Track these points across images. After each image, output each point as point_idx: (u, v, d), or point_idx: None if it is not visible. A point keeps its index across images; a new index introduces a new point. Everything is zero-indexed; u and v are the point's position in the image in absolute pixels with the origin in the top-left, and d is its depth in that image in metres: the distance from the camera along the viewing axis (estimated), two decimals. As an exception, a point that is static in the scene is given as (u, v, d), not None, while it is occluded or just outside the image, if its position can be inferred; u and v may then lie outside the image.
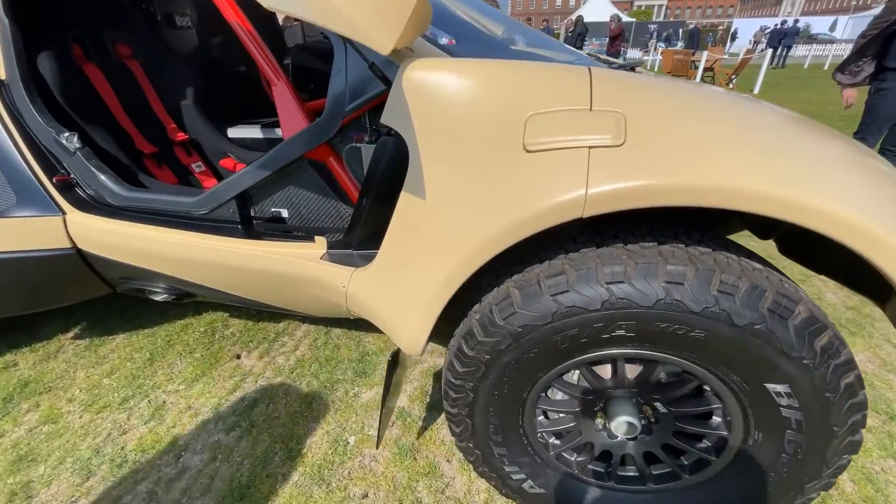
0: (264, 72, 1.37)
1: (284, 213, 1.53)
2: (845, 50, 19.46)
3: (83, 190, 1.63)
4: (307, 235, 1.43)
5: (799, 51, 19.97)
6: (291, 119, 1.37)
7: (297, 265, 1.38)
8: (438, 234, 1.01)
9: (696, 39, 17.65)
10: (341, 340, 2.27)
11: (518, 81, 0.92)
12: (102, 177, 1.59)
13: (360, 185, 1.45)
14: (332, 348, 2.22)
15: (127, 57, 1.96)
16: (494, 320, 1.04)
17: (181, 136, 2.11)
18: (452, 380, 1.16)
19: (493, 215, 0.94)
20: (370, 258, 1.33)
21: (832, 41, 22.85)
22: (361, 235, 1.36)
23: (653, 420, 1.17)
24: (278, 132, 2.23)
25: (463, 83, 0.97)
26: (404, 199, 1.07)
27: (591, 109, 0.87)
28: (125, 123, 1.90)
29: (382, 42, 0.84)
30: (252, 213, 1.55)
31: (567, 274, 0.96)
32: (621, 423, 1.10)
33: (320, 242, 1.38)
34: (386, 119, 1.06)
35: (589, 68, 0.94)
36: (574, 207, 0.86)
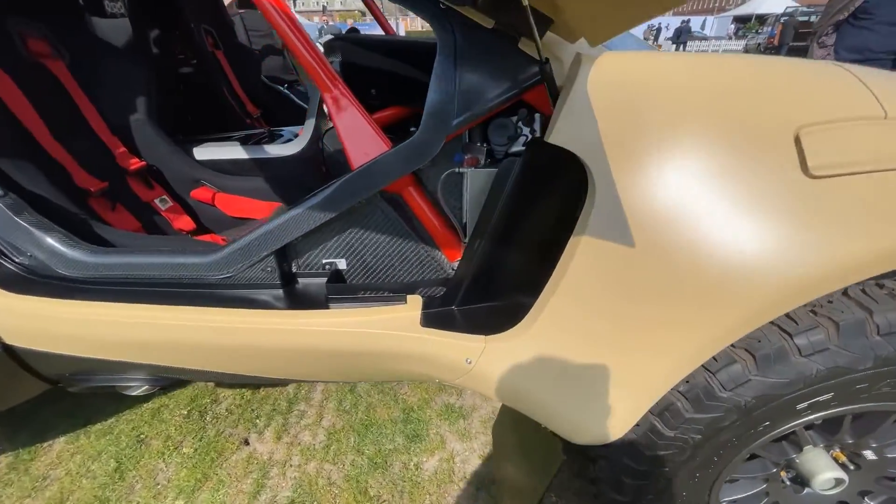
0: (314, 75, 0.97)
1: (342, 265, 1.14)
2: (718, 45, 22.34)
3: (10, 259, 1.08)
4: (388, 295, 1.07)
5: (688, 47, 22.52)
6: (360, 138, 1.00)
7: (383, 338, 1.02)
8: (673, 294, 0.74)
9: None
10: (373, 397, 1.89)
11: (776, 83, 0.69)
12: (45, 237, 1.06)
13: (457, 220, 1.12)
14: (366, 409, 1.83)
15: (45, 56, 1.37)
16: (714, 392, 0.81)
17: (136, 162, 1.56)
18: (634, 466, 0.90)
19: (780, 261, 0.69)
20: (495, 319, 1.01)
21: (705, 38, 26.09)
22: (475, 288, 1.04)
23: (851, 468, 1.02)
24: (269, 150, 1.77)
25: (690, 86, 0.71)
26: (593, 244, 0.78)
27: (886, 117, 0.66)
28: (55, 151, 1.32)
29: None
30: (294, 269, 1.14)
31: (824, 327, 0.76)
32: (827, 480, 0.94)
33: (413, 303, 1.03)
34: (559, 137, 0.76)
35: (838, 63, 0.74)
36: None
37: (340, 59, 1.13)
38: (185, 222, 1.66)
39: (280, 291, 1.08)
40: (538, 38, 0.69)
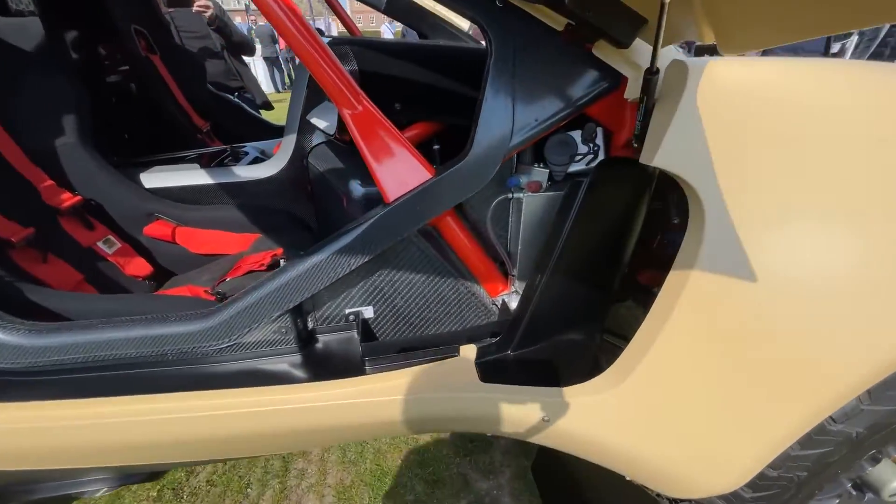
0: (332, 89, 0.78)
1: (368, 313, 0.95)
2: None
3: None
4: (436, 348, 0.90)
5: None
6: (395, 165, 0.81)
7: (437, 402, 0.85)
8: (806, 340, 0.65)
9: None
10: (380, 441, 1.69)
11: None
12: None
13: (503, 250, 0.98)
14: (375, 456, 1.63)
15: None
16: (824, 427, 0.74)
17: (68, 198, 1.23)
18: None
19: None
20: (567, 367, 0.89)
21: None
22: (533, 328, 0.90)
23: None
24: (239, 173, 1.50)
25: (835, 103, 0.63)
26: (702, 283, 0.67)
27: None
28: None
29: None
30: (311, 324, 0.93)
31: None
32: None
33: (467, 354, 0.87)
34: (663, 159, 0.65)
35: None
36: None
37: (355, 68, 0.94)
38: (138, 266, 1.35)
39: (298, 356, 0.88)
40: (659, 42, 0.57)
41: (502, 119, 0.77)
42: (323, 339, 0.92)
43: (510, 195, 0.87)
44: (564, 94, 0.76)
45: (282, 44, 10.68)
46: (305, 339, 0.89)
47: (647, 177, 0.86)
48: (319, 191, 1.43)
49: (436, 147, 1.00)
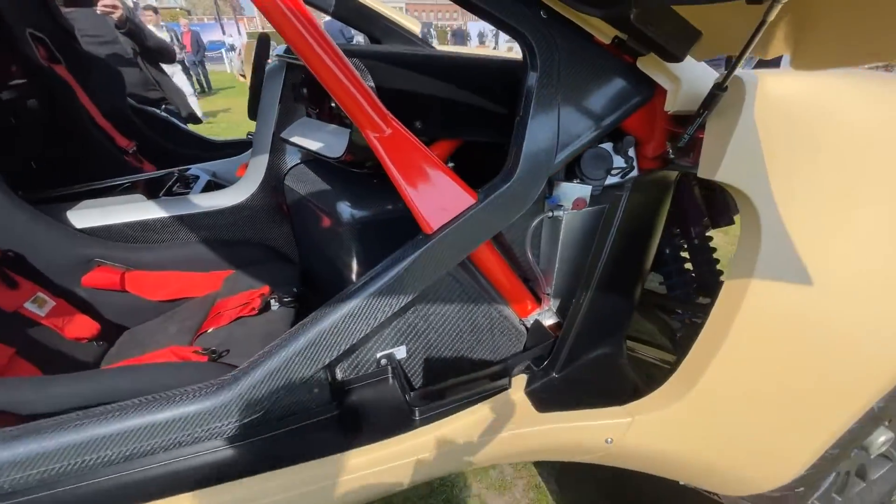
0: (354, 108, 0.67)
1: (401, 353, 0.86)
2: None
3: None
4: (485, 385, 0.83)
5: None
6: (433, 191, 0.73)
7: (497, 445, 0.79)
8: (840, 339, 0.69)
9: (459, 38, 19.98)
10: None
11: None
12: None
13: (537, 269, 0.93)
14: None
15: None
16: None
17: (-22, 252, 0.97)
18: None
19: None
20: (618, 383, 0.87)
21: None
22: (576, 347, 0.87)
23: None
24: (199, 202, 1.30)
25: (854, 107, 0.66)
26: (758, 293, 0.69)
27: None
28: None
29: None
30: (341, 375, 0.82)
31: None
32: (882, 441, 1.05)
33: (518, 385, 0.82)
34: (724, 173, 0.65)
35: None
36: None
37: (371, 85, 0.83)
38: (81, 326, 1.10)
39: (337, 418, 0.76)
40: (742, 59, 0.56)
41: (547, 136, 0.73)
42: (360, 393, 0.81)
43: (551, 213, 0.83)
44: (607, 107, 0.74)
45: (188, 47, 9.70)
46: (341, 397, 0.78)
47: (669, 187, 0.87)
48: (300, 216, 1.28)
49: (450, 165, 0.94)
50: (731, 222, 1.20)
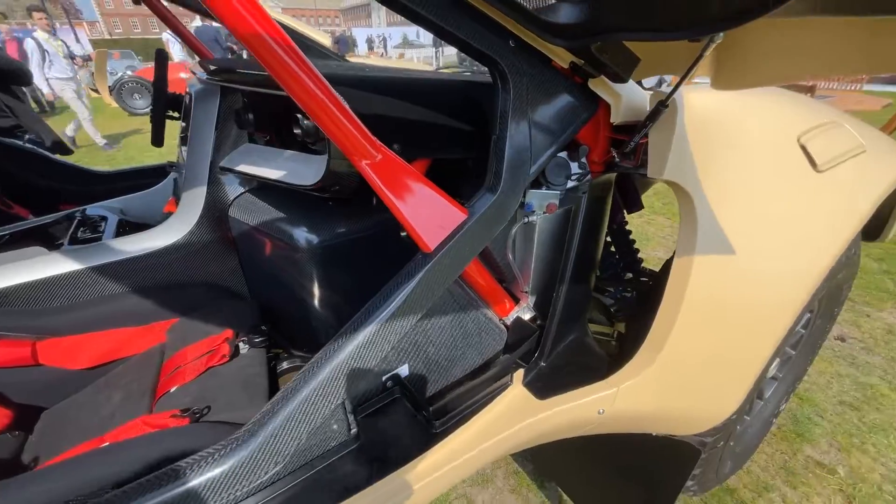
0: (347, 142, 0.66)
1: (404, 372, 0.87)
2: (439, 50, 26.12)
3: None
4: (491, 387, 0.88)
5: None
6: (428, 211, 0.74)
7: (510, 438, 0.85)
8: (754, 301, 0.88)
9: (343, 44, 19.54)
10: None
11: (775, 104, 0.89)
12: None
13: (516, 270, 1.00)
14: None
15: None
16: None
17: None
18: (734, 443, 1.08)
19: (816, 247, 0.91)
20: (596, 359, 0.99)
21: (422, 45, 30.30)
22: (559, 336, 0.97)
23: None
24: (124, 247, 1.13)
25: (743, 113, 0.85)
26: (702, 265, 0.85)
27: (834, 122, 0.96)
28: None
29: None
30: (354, 406, 0.80)
31: None
32: None
33: (517, 380, 0.89)
34: (666, 171, 0.79)
35: None
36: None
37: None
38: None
39: (358, 448, 0.74)
40: (683, 83, 0.69)
41: (522, 151, 0.80)
42: (374, 419, 0.80)
43: (527, 219, 0.91)
44: (566, 121, 0.84)
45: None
46: (358, 427, 0.76)
47: (611, 186, 1.02)
48: (250, 248, 1.19)
49: None
50: (641, 207, 1.43)
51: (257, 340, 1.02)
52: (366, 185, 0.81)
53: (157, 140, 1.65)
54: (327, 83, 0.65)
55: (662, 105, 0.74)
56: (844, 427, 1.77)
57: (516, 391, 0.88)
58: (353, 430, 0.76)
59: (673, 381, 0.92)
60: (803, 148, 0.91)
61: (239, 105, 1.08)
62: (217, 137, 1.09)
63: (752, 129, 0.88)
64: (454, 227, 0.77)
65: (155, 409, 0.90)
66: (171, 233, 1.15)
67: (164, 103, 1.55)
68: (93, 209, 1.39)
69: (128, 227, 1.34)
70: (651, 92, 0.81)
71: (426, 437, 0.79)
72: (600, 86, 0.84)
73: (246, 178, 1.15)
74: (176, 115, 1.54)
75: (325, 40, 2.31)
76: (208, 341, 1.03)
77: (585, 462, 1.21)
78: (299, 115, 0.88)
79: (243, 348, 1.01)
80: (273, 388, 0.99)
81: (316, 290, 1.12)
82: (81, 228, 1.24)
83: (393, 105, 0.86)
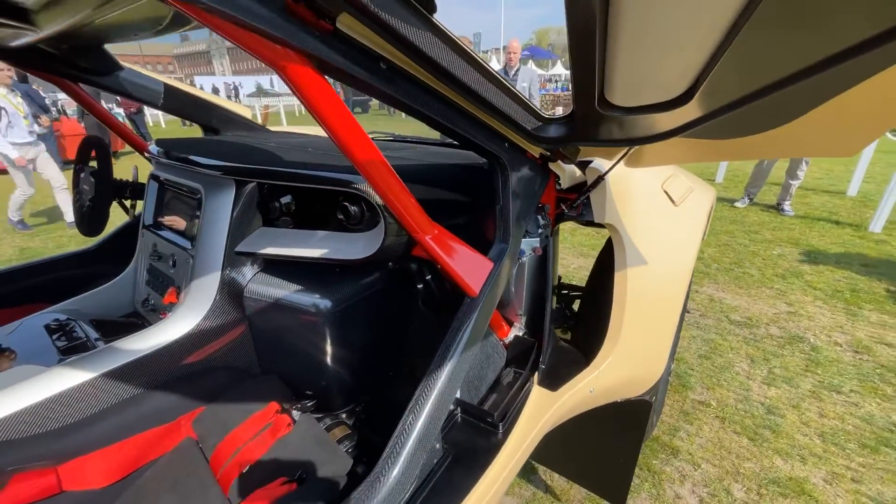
0: (413, 220, 0.86)
1: (459, 393, 1.09)
2: (290, 98, 25.66)
3: None
4: (521, 392, 1.15)
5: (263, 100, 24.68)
6: (469, 265, 0.98)
7: (549, 419, 1.14)
8: (662, 294, 1.35)
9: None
10: None
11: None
12: None
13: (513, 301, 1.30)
14: None
15: None
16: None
17: None
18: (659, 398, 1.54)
19: (683, 257, 1.42)
20: (574, 355, 1.35)
21: (278, 94, 29.60)
22: (551, 342, 1.31)
23: None
24: (129, 346, 1.10)
25: (631, 175, 1.32)
26: (633, 277, 1.28)
27: (674, 173, 1.52)
28: None
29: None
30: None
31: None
32: None
33: (535, 379, 1.19)
34: (608, 218, 1.21)
35: None
36: None
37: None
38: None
39: (450, 464, 0.93)
40: (613, 168, 1.10)
41: (518, 213, 1.13)
42: (452, 435, 0.99)
43: (521, 259, 1.23)
44: (538, 189, 1.20)
45: None
46: (447, 443, 0.95)
47: (558, 230, 1.43)
48: (262, 324, 1.26)
49: None
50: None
51: (309, 405, 1.10)
52: (403, 253, 1.05)
53: (95, 230, 1.53)
54: (398, 177, 0.89)
55: (601, 177, 1.15)
56: (706, 373, 2.49)
57: (536, 391, 1.17)
58: (443, 447, 0.95)
59: (630, 356, 1.33)
60: (665, 192, 1.45)
61: (255, 194, 1.19)
62: (232, 225, 1.16)
63: (638, 184, 1.38)
64: (487, 273, 1.05)
65: (233, 496, 0.93)
66: (182, 323, 1.15)
67: (110, 192, 1.48)
68: (44, 316, 1.25)
69: (105, 325, 1.24)
70: (589, 167, 1.23)
71: (495, 439, 1.02)
72: (555, 165, 1.23)
73: (256, 259, 1.23)
74: (127, 202, 1.47)
75: (247, 112, 2.38)
76: (257, 418, 1.07)
77: (567, 442, 1.54)
78: (347, 203, 1.06)
79: (296, 415, 1.08)
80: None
81: (332, 349, 1.25)
82: (56, 336, 1.13)
83: (425, 190, 1.12)
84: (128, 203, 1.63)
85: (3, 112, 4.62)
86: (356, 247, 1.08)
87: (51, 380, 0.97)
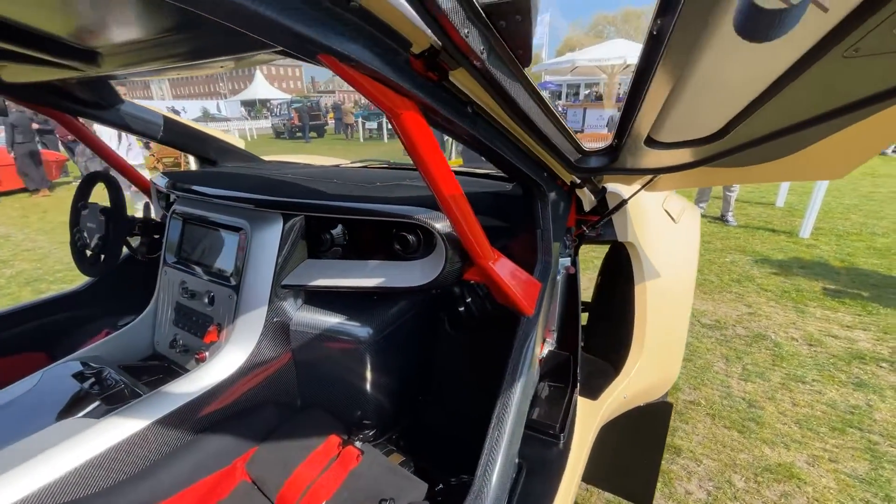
0: (478, 247, 0.92)
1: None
2: (241, 124, 24.92)
3: None
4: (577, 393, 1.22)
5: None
6: (522, 286, 1.05)
7: (595, 429, 1.22)
8: (674, 302, 1.49)
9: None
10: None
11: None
12: None
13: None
14: None
15: None
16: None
17: None
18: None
19: (688, 268, 1.58)
20: (602, 365, 1.45)
21: (227, 119, 28.55)
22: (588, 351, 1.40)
23: None
24: (176, 391, 1.06)
25: (640, 197, 1.47)
26: (651, 291, 1.41)
27: (670, 193, 1.70)
28: None
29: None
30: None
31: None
32: None
33: (579, 390, 1.27)
34: (627, 236, 1.34)
35: None
36: None
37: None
38: None
39: (525, 476, 0.97)
40: (634, 195, 1.23)
41: (557, 234, 1.23)
42: (525, 446, 1.03)
43: (556, 277, 1.32)
44: (566, 212, 1.31)
45: None
46: (521, 459, 0.99)
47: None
48: (308, 355, 1.25)
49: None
50: None
51: (371, 434, 1.10)
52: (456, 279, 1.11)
53: (102, 270, 1.44)
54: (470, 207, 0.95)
55: (625, 202, 1.29)
56: (691, 374, 2.69)
57: (581, 401, 1.25)
58: (518, 461, 0.99)
59: (653, 361, 1.45)
60: (666, 211, 1.61)
61: (302, 227, 1.19)
62: (279, 259, 1.15)
63: (645, 205, 1.53)
64: (537, 293, 1.13)
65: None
66: (229, 361, 1.12)
67: (124, 229, 1.41)
68: (66, 366, 1.16)
69: (133, 371, 1.17)
70: (610, 192, 1.36)
71: (558, 450, 1.07)
72: (580, 191, 1.35)
73: (300, 291, 1.23)
74: (134, 240, 1.41)
75: (241, 144, 2.36)
76: (319, 453, 1.06)
77: (592, 449, 1.63)
78: (405, 233, 1.11)
79: (359, 445, 1.08)
80: None
81: (376, 376, 1.26)
82: (92, 386, 1.05)
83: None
84: (133, 241, 1.55)
85: (122, 136, 4.98)
86: (413, 274, 1.12)
87: (100, 433, 0.91)
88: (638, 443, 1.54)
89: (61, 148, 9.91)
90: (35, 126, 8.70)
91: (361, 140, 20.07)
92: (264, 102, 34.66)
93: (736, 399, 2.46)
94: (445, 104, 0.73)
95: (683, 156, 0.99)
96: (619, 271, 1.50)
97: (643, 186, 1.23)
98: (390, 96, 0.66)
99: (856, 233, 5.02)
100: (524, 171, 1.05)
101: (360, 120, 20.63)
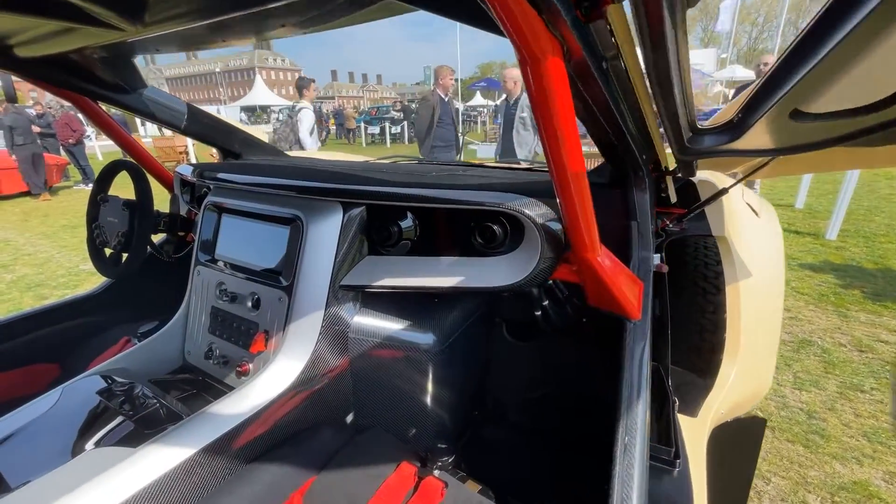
0: (588, 238, 0.77)
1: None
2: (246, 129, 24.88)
3: None
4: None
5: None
6: (627, 285, 0.90)
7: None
8: (767, 304, 1.34)
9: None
10: None
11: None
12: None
13: None
14: None
15: None
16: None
17: None
18: None
19: (777, 266, 1.43)
20: (691, 375, 1.29)
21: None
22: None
23: None
24: (225, 412, 0.89)
25: (732, 193, 1.33)
26: (744, 293, 1.26)
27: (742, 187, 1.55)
28: None
29: None
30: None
31: None
32: None
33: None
34: (723, 230, 1.18)
35: None
36: None
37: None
38: None
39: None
40: (734, 186, 1.08)
41: (649, 228, 1.08)
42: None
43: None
44: (653, 204, 1.16)
45: None
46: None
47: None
48: (368, 365, 1.08)
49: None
50: None
51: (449, 462, 0.94)
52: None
53: (126, 270, 1.28)
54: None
55: (725, 190, 1.14)
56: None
57: (682, 420, 1.09)
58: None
59: (748, 370, 1.29)
60: (748, 205, 1.46)
61: (364, 219, 1.03)
62: (338, 255, 1.00)
63: (731, 198, 1.38)
64: (639, 293, 0.97)
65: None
66: (282, 375, 0.95)
67: (150, 225, 1.25)
68: (89, 380, 0.99)
69: (164, 386, 1.00)
70: (701, 181, 1.21)
71: (677, 479, 0.91)
72: (669, 184, 1.20)
73: (359, 292, 1.07)
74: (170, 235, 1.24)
75: (265, 136, 2.21)
76: (392, 484, 0.89)
77: None
78: (489, 223, 0.95)
79: (438, 474, 0.91)
80: None
81: (441, 388, 1.11)
82: (124, 404, 0.88)
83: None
84: (155, 238, 1.39)
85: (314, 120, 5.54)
86: (497, 273, 0.96)
87: (141, 463, 0.75)
88: (726, 465, 1.37)
89: (62, 151, 9.74)
90: (37, 130, 8.54)
91: (364, 145, 19.96)
92: (264, 108, 34.64)
93: (794, 410, 2.30)
94: (591, 52, 0.59)
95: (828, 130, 0.84)
96: (688, 270, 1.35)
97: (753, 171, 1.08)
98: (539, 35, 0.50)
99: (884, 234, 4.89)
100: (632, 149, 0.90)
101: (361, 125, 20.54)
